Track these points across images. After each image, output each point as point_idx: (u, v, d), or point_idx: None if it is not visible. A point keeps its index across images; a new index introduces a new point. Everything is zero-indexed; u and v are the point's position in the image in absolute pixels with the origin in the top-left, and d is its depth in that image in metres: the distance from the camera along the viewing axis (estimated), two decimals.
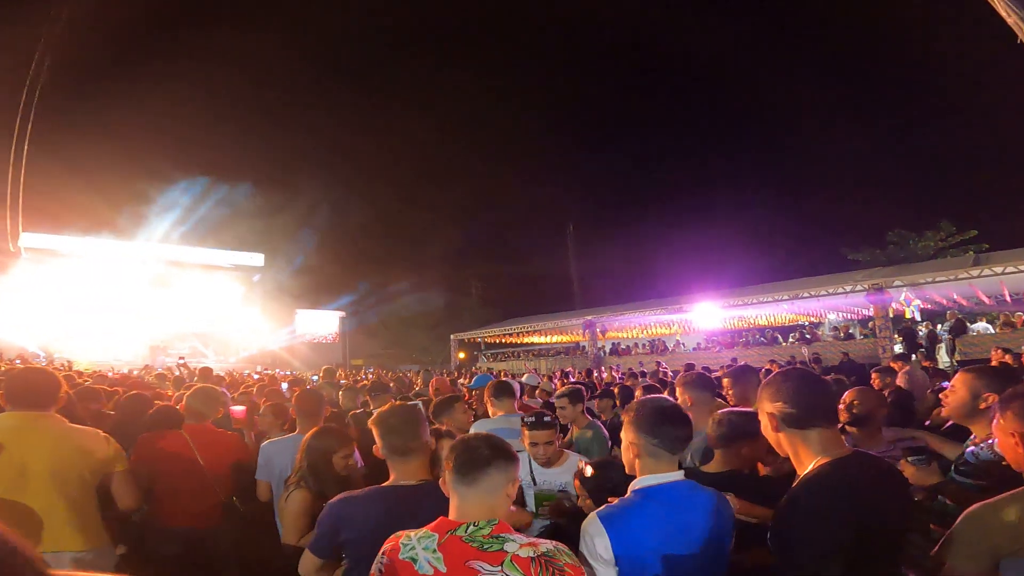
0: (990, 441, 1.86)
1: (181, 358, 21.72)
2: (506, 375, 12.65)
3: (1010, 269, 13.14)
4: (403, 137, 50.74)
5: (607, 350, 24.41)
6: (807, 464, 1.45)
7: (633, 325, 24.19)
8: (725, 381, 2.95)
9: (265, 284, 35.83)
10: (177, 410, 3.29)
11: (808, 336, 18.59)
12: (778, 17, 49.67)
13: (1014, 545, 1.34)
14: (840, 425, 2.23)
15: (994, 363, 7.12)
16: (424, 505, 1.67)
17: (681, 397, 2.86)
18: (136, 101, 34.83)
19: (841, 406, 2.70)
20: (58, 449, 2.27)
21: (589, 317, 22.80)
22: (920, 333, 15.64)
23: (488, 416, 3.55)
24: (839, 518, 1.34)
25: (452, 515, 1.39)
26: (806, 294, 16.92)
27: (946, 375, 6.61)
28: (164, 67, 38.65)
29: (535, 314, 28.24)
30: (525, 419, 2.65)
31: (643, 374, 9.98)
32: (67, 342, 23.81)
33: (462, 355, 30.63)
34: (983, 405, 2.02)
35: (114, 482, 2.43)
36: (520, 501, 2.53)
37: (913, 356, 12.00)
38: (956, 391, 2.13)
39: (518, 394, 3.72)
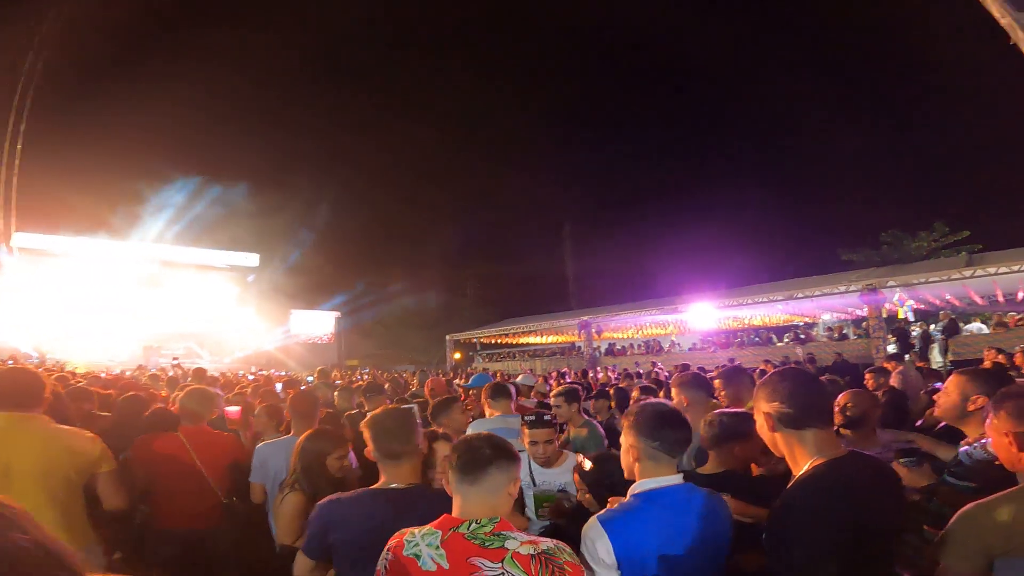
0: (984, 441, 1.87)
1: (175, 358, 21.67)
2: (501, 376, 12.63)
3: (1003, 270, 13.27)
4: (398, 137, 50.60)
5: (603, 350, 24.49)
6: (803, 464, 1.46)
7: (629, 325, 24.29)
8: (717, 382, 2.95)
9: (260, 284, 35.75)
10: (173, 412, 3.27)
11: (802, 336, 18.67)
12: (774, 19, 49.96)
13: (1007, 545, 1.35)
14: (835, 428, 2.24)
15: (987, 363, 7.19)
16: (414, 508, 1.67)
17: (677, 398, 2.87)
18: (130, 100, 34.80)
19: (835, 408, 2.71)
20: (43, 449, 2.25)
21: (585, 317, 22.82)
22: (913, 333, 15.77)
23: (484, 416, 3.55)
24: (835, 518, 1.34)
25: (455, 513, 1.41)
26: (800, 295, 17.01)
27: (939, 375, 6.66)
28: (158, 66, 38.43)
29: (531, 314, 28.24)
30: (525, 418, 2.67)
31: (639, 375, 10.00)
32: (61, 343, 23.70)
33: (458, 355, 30.63)
34: (972, 407, 2.04)
35: (100, 482, 2.41)
36: (520, 502, 2.53)
37: (906, 356, 12.04)
38: (948, 393, 2.16)
39: (514, 395, 3.73)
